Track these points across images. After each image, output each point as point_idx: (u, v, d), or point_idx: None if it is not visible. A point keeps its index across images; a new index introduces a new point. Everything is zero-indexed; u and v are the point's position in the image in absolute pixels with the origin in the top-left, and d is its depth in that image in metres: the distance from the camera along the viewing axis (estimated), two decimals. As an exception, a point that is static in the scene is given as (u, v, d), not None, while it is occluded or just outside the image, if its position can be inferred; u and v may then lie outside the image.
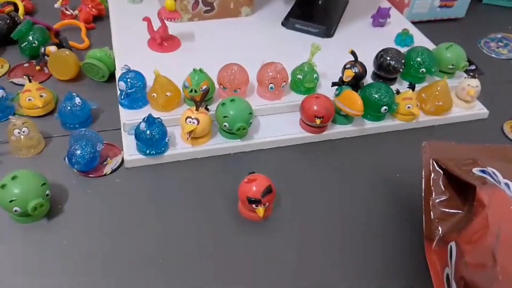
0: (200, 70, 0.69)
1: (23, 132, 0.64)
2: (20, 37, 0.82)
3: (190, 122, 0.65)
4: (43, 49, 0.79)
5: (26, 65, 0.83)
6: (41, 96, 0.71)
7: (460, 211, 0.58)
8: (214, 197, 0.63)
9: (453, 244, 0.51)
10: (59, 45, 0.80)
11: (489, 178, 0.54)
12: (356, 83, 0.74)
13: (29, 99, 0.70)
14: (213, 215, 0.61)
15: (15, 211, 0.55)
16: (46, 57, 0.79)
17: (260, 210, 0.57)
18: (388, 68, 0.76)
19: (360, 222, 0.61)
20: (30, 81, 0.71)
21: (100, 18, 0.96)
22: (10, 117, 0.65)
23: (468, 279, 0.46)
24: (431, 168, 0.60)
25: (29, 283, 0.52)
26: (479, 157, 0.59)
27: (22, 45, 0.82)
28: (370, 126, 0.74)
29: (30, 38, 0.81)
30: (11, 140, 0.65)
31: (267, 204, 0.58)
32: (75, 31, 0.91)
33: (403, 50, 0.80)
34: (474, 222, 0.49)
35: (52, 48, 0.79)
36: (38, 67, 0.81)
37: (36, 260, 0.54)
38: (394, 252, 0.58)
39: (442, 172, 0.59)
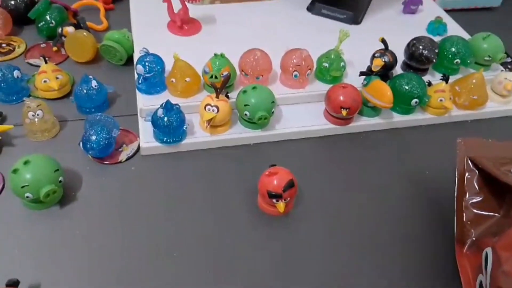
0: (222, 55, 0.66)
1: (38, 115, 0.62)
2: (37, 16, 0.80)
3: (210, 109, 0.62)
4: (60, 29, 0.77)
5: (43, 45, 0.81)
6: (57, 78, 0.69)
7: (495, 214, 0.54)
8: (232, 190, 0.60)
9: (489, 250, 0.47)
10: (77, 26, 0.78)
11: (529, 180, 0.50)
12: (385, 73, 0.70)
13: (44, 81, 0.68)
14: (231, 209, 0.58)
15: (27, 197, 0.53)
16: (63, 37, 0.77)
17: (281, 205, 0.54)
18: (420, 58, 0.72)
19: (385, 221, 0.58)
20: (46, 62, 0.69)
21: (120, -2, 0.93)
22: (25, 98, 0.63)
23: (507, 290, 0.43)
24: (465, 167, 0.56)
25: (40, 271, 0.50)
26: (517, 156, 0.55)
27: (39, 25, 0.80)
28: (399, 119, 0.70)
29: (48, 17, 0.79)
30: (25, 123, 0.63)
31: (288, 199, 0.55)
32: (93, 11, 0.89)
33: (436, 39, 0.75)
34: (514, 228, 0.45)
35: (69, 29, 0.77)
36: (55, 48, 0.79)
37: (48, 248, 0.53)
38: (420, 254, 0.55)
39: (477, 172, 0.56)
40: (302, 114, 0.69)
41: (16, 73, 0.68)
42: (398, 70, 0.75)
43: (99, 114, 0.63)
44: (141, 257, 0.52)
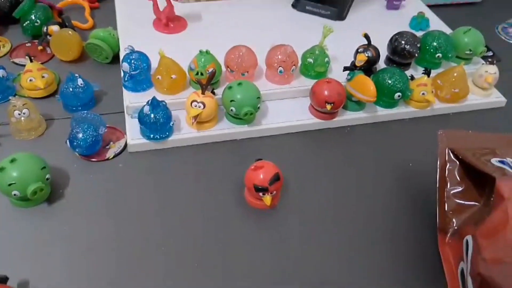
0: (207, 52, 0.67)
1: (24, 113, 0.62)
2: (22, 15, 0.79)
3: (196, 106, 0.62)
4: (45, 28, 0.77)
5: (28, 44, 0.81)
6: (43, 76, 0.69)
7: (476, 203, 0.55)
8: (219, 184, 0.61)
9: (469, 238, 0.49)
10: (62, 25, 0.78)
11: (508, 169, 0.51)
12: (368, 68, 0.71)
13: (30, 80, 0.68)
14: (218, 203, 0.59)
15: (14, 195, 0.53)
16: (48, 36, 0.77)
17: (267, 199, 0.55)
18: (402, 52, 0.73)
19: (370, 213, 0.59)
20: (31, 61, 0.69)
21: (105, -3, 0.93)
22: (10, 98, 0.63)
23: (486, 275, 0.44)
24: (446, 158, 0.57)
25: (29, 268, 0.50)
26: (497, 147, 0.56)
27: (24, 24, 0.80)
28: (383, 113, 0.71)
29: (32, 17, 0.79)
30: (11, 121, 0.63)
31: (274, 192, 0.56)
32: (78, 10, 0.89)
33: (418, 34, 0.77)
34: (492, 216, 0.47)
35: (54, 28, 0.77)
36: (40, 47, 0.79)
37: (36, 245, 0.53)
38: (405, 244, 0.56)
39: (458, 162, 0.57)
40: (287, 109, 0.70)
41: (1, 72, 0.68)
42: (381, 64, 0.76)
43: (86, 112, 0.63)
44: (129, 253, 0.53)
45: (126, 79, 0.67)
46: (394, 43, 0.74)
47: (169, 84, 0.67)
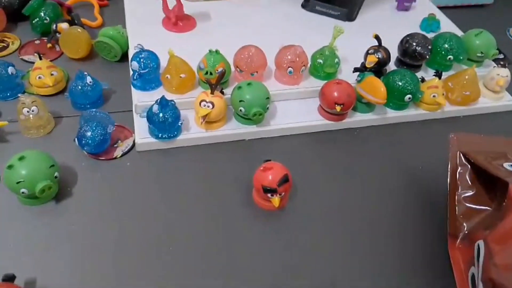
0: (216, 51, 0.66)
1: (32, 111, 0.62)
2: (31, 12, 0.80)
3: (205, 105, 0.62)
4: (54, 26, 0.77)
5: (37, 42, 0.81)
6: (52, 74, 0.69)
7: (487, 208, 0.55)
8: (227, 185, 0.60)
9: (481, 242, 0.48)
10: (71, 22, 0.78)
11: (521, 174, 0.51)
12: (379, 70, 0.70)
13: (39, 77, 0.68)
14: (226, 203, 0.58)
15: (22, 193, 0.53)
16: (57, 34, 0.77)
17: (276, 200, 0.55)
18: (413, 54, 0.72)
19: (379, 216, 0.59)
20: (40, 58, 0.69)
21: (114, -5, 0.93)
22: (19, 95, 0.63)
23: (498, 282, 0.43)
24: (458, 162, 0.57)
25: (36, 266, 0.50)
26: (508, 151, 0.56)
27: (34, 21, 0.80)
28: (393, 115, 0.71)
29: (42, 14, 0.79)
30: (20, 119, 0.63)
31: (283, 193, 0.55)
32: (87, 8, 0.89)
33: (429, 36, 0.76)
34: (505, 221, 0.46)
35: (64, 25, 0.77)
36: (49, 45, 0.78)
37: (43, 243, 0.53)
38: (414, 248, 0.56)
39: (469, 166, 0.56)
40: (296, 110, 0.69)
41: (10, 70, 0.68)
42: (391, 66, 0.76)
43: (94, 110, 0.63)
44: (137, 252, 0.53)
45: (135, 77, 0.67)
46: (405, 45, 0.73)
47: (178, 83, 0.67)
